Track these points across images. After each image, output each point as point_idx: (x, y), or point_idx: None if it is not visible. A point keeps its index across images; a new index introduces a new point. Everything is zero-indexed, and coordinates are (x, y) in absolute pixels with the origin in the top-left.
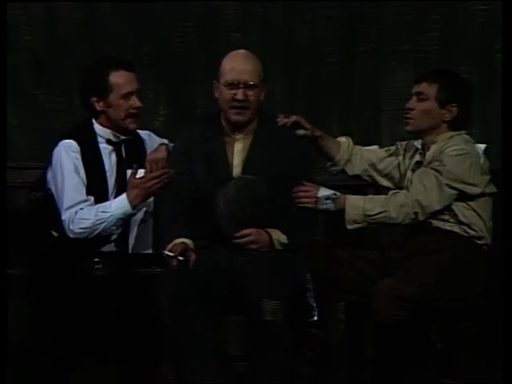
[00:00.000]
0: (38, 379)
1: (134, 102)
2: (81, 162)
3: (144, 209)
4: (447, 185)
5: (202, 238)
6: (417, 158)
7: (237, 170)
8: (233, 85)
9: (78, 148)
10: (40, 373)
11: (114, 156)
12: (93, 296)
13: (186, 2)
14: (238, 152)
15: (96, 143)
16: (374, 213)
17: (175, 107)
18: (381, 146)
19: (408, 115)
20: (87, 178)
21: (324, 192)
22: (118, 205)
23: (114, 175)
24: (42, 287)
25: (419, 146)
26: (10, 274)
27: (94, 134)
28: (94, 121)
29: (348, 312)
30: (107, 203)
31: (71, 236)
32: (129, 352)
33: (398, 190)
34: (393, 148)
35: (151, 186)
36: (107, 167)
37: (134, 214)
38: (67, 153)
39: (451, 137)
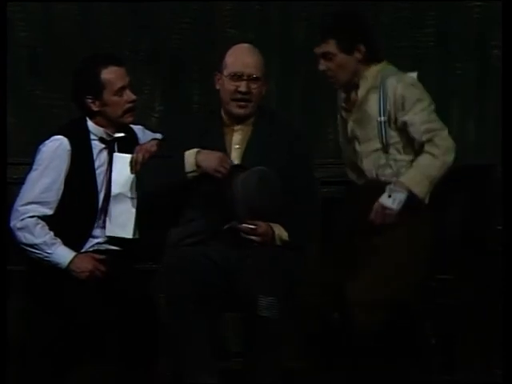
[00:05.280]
0: (37, 378)
1: (129, 96)
2: (68, 162)
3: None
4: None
5: (199, 234)
6: (340, 102)
7: (235, 163)
8: (237, 76)
9: (69, 147)
10: (39, 372)
11: (105, 154)
12: (89, 293)
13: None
14: (235, 143)
15: (88, 140)
16: (436, 174)
17: (171, 104)
18: None
19: (328, 77)
20: (74, 175)
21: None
22: (60, 254)
23: (103, 173)
24: (39, 284)
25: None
26: (10, 271)
27: (87, 131)
28: (87, 118)
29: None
30: (57, 242)
31: (12, 228)
32: (126, 350)
33: (422, 161)
34: None
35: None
36: (97, 164)
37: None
38: (55, 150)
39: (380, 71)
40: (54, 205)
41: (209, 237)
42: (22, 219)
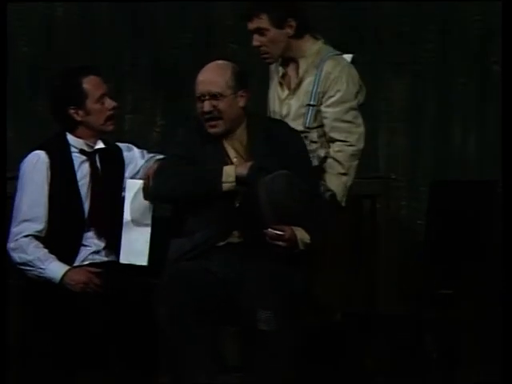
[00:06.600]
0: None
1: (109, 103)
2: (48, 175)
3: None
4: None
5: (201, 246)
6: (278, 79)
7: None
8: (200, 98)
9: (47, 160)
10: (38, 377)
11: (87, 166)
12: (88, 305)
13: (183, 14)
14: (233, 155)
15: (69, 153)
16: (349, 178)
17: (172, 118)
18: (378, 158)
19: (262, 52)
20: (57, 188)
21: None
22: (53, 269)
23: (86, 185)
24: (38, 297)
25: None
26: (10, 284)
27: (66, 144)
28: (67, 132)
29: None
30: (50, 258)
31: (8, 250)
32: (127, 360)
33: (330, 164)
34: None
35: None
36: (79, 176)
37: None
38: (34, 165)
39: (319, 51)
40: (44, 219)
41: (210, 249)
42: (16, 239)
